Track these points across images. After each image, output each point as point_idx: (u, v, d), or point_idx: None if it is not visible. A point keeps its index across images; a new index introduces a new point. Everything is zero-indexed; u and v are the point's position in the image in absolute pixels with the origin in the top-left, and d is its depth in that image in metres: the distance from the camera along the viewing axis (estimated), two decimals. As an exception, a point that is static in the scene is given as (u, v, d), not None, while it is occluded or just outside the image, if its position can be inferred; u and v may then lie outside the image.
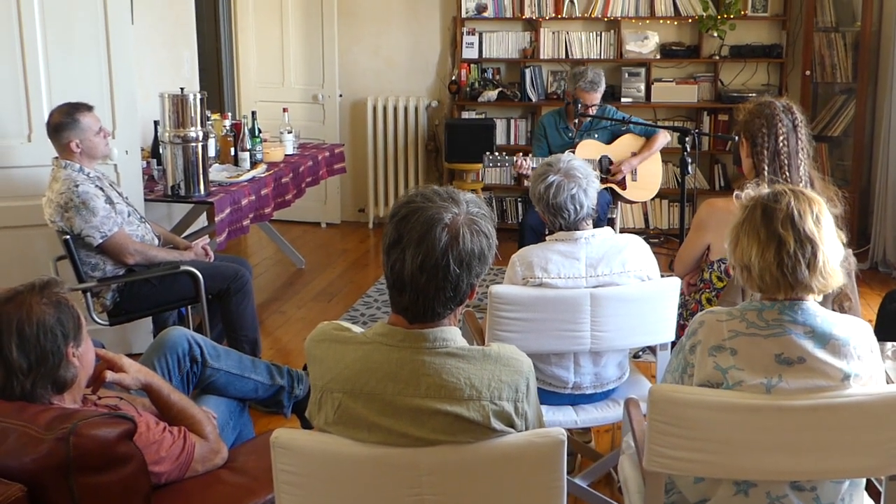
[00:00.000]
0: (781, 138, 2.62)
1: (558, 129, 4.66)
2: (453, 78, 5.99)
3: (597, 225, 2.61)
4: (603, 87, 4.54)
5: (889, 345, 2.37)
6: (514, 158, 4.31)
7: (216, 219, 3.83)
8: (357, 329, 1.65)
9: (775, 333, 1.77)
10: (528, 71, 5.88)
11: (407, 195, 1.58)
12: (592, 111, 4.51)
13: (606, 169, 4.54)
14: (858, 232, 5.15)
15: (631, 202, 4.82)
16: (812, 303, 1.80)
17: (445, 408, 1.52)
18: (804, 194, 1.82)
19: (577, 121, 4.58)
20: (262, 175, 4.34)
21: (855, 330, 1.80)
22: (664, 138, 4.59)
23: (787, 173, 2.61)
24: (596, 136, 4.62)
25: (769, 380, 1.74)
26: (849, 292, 2.54)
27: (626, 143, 4.61)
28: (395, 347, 1.55)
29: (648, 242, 2.68)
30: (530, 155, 4.47)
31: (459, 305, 1.58)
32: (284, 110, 5.16)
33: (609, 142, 4.63)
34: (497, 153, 4.38)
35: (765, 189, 1.86)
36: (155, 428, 1.99)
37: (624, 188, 4.59)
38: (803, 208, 1.78)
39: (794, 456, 1.74)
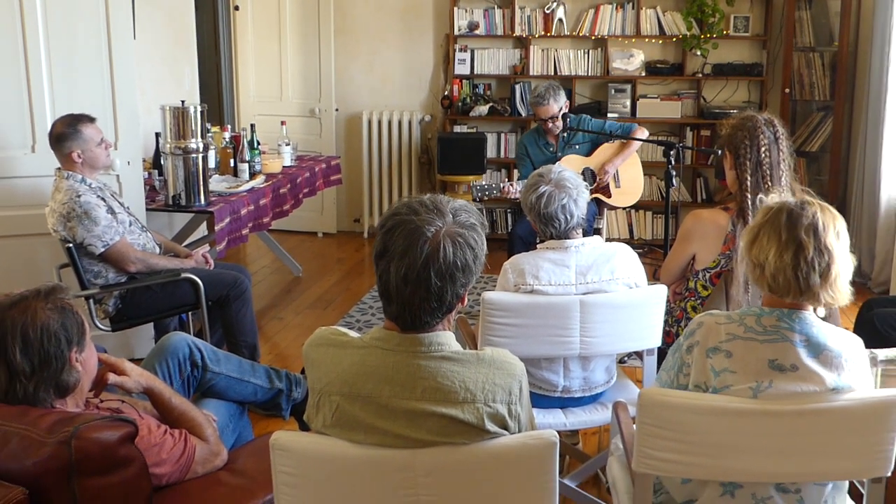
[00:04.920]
0: (763, 150, 2.65)
1: (539, 145, 4.68)
2: (445, 93, 6.08)
3: (584, 235, 2.63)
4: (556, 100, 4.51)
5: (866, 352, 2.43)
6: (501, 185, 4.30)
7: (216, 228, 3.85)
8: (354, 334, 1.65)
9: (772, 339, 1.78)
10: (517, 87, 5.99)
11: (395, 206, 1.58)
12: (557, 124, 4.50)
13: (591, 179, 4.58)
14: (836, 244, 5.27)
15: (616, 208, 4.87)
16: (811, 313, 1.82)
17: (441, 410, 1.53)
18: (829, 210, 1.83)
19: (565, 134, 4.62)
20: (261, 186, 4.37)
21: (848, 344, 1.82)
22: (642, 133, 4.56)
23: (770, 184, 2.64)
24: (577, 148, 4.64)
25: (759, 384, 1.75)
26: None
27: (606, 151, 4.64)
28: (391, 351, 1.56)
29: (632, 252, 2.70)
30: (516, 178, 4.51)
31: (448, 314, 1.59)
32: (282, 123, 5.23)
33: (589, 153, 4.66)
34: (484, 182, 4.38)
35: (791, 197, 1.87)
36: (156, 431, 1.99)
37: (609, 196, 4.63)
38: (827, 221, 1.79)
39: (779, 459, 1.75)
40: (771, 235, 1.80)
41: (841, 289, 1.80)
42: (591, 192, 4.53)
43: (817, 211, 1.80)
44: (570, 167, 4.44)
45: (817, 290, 1.77)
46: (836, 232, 1.80)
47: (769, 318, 1.81)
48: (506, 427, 1.59)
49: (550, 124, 4.55)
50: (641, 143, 4.65)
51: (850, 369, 1.79)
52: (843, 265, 1.80)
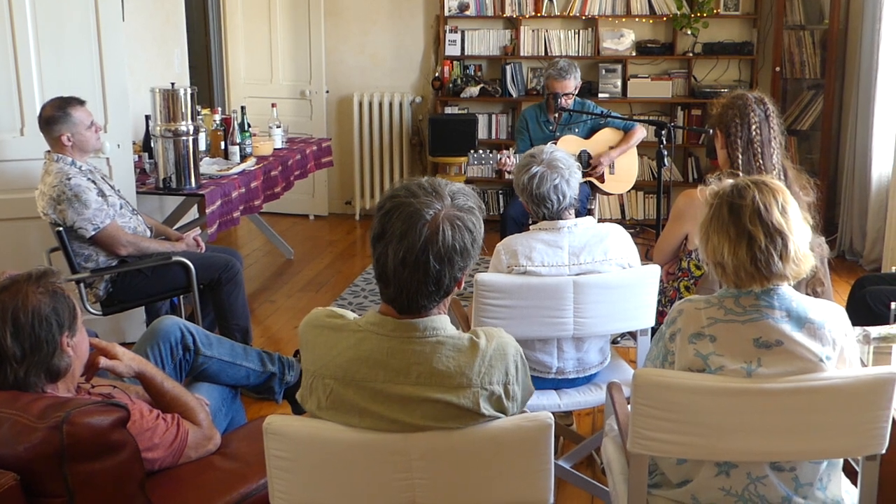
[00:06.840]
0: (754, 128, 2.67)
1: (539, 122, 4.70)
2: (436, 74, 6.08)
3: (578, 216, 2.64)
4: (575, 78, 4.56)
5: (858, 330, 2.45)
6: (498, 156, 4.34)
7: (207, 211, 3.85)
8: (350, 315, 1.64)
9: (753, 318, 1.78)
10: (508, 68, 5.98)
11: (393, 189, 1.57)
12: (568, 102, 4.55)
13: (586, 163, 4.61)
14: (826, 221, 5.28)
15: (608, 194, 4.93)
16: (787, 287, 1.81)
17: (435, 396, 1.53)
18: (767, 185, 1.81)
19: (556, 115, 4.63)
20: (252, 168, 4.38)
21: (830, 313, 1.81)
22: (641, 132, 4.67)
23: (761, 162, 2.66)
24: (576, 130, 4.68)
25: (749, 365, 1.75)
26: (822, 277, 2.62)
27: (605, 137, 4.68)
28: (386, 336, 1.56)
29: (624, 233, 2.72)
30: (512, 151, 4.55)
31: (445, 297, 1.58)
32: (273, 105, 5.22)
33: (588, 136, 4.69)
34: (482, 151, 4.44)
35: (727, 183, 1.84)
36: (148, 415, 1.99)
37: (602, 181, 4.66)
38: (768, 200, 1.77)
39: (773, 438, 1.76)
40: (720, 233, 1.80)
41: (803, 259, 1.80)
42: (584, 175, 4.54)
43: (755, 194, 1.78)
44: (567, 148, 4.48)
45: (781, 271, 1.77)
46: (780, 207, 1.78)
47: (747, 297, 1.81)
48: (502, 408, 1.58)
49: (561, 101, 4.54)
50: (640, 139, 4.69)
51: (835, 339, 1.79)
52: (799, 236, 1.79)
